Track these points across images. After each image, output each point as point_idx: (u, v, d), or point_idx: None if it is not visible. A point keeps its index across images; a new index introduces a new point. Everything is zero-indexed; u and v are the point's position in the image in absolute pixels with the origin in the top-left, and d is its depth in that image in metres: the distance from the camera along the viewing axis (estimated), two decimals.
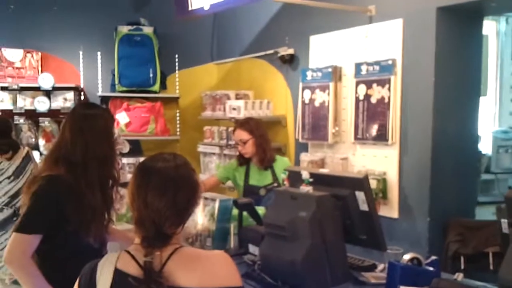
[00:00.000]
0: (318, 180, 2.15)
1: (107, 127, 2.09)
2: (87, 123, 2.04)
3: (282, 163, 3.33)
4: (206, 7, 3.10)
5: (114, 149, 2.10)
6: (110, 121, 2.15)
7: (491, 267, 2.86)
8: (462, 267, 2.94)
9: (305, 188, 2.08)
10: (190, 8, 3.23)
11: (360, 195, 2.06)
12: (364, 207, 2.07)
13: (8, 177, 3.99)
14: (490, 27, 5.11)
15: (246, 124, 3.36)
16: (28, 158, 4.13)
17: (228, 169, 3.50)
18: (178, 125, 5.44)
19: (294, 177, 2.24)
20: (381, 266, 2.19)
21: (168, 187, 1.38)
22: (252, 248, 2.38)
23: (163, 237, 1.37)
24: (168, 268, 1.33)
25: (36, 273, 1.91)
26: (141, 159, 5.05)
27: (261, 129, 3.36)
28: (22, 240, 1.88)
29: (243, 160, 3.38)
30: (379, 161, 3.43)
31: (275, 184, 3.20)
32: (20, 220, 1.93)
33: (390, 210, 3.32)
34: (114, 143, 2.10)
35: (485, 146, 4.79)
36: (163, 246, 1.37)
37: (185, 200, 1.40)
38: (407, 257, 1.95)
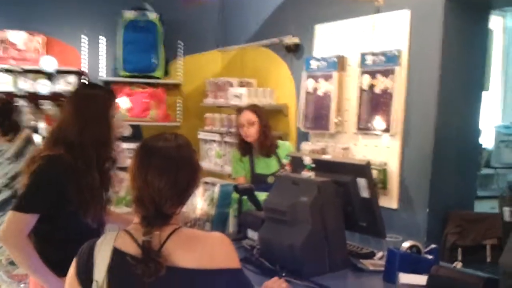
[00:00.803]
0: (320, 166, 2.14)
1: (106, 108, 2.05)
2: (86, 103, 2.03)
3: (285, 148, 3.34)
4: None
5: (112, 131, 2.06)
6: (110, 102, 2.10)
7: (488, 259, 2.87)
8: (460, 258, 2.95)
9: (307, 174, 2.08)
10: None
11: (362, 182, 2.06)
12: (365, 193, 2.07)
13: (8, 159, 3.98)
14: (497, 22, 5.08)
15: (255, 107, 3.39)
16: (28, 140, 4.12)
17: (236, 163, 3.44)
18: (179, 112, 5.43)
19: (296, 163, 2.23)
20: (379, 254, 2.19)
21: (169, 166, 1.38)
22: (251, 233, 2.38)
23: (163, 216, 1.37)
24: (166, 248, 1.33)
25: (32, 252, 1.90)
26: None
27: (266, 117, 3.38)
28: (19, 218, 1.87)
29: (244, 150, 3.36)
30: (381, 152, 3.42)
31: (282, 170, 3.18)
32: (18, 198, 1.93)
33: (389, 201, 3.32)
34: (112, 124, 2.06)
35: (487, 141, 4.79)
36: (162, 226, 1.36)
37: (186, 181, 1.40)
38: (406, 244, 1.95)
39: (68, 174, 1.92)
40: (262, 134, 3.28)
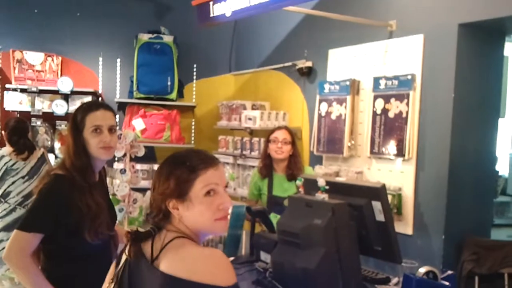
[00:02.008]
0: (334, 188, 2.12)
1: (71, 131, 1.98)
2: (69, 124, 2.02)
3: (308, 173, 3.35)
4: (228, 14, 3.12)
5: (78, 156, 1.96)
6: (77, 121, 1.99)
7: None
8: (476, 287, 2.87)
9: (321, 196, 2.05)
10: (211, 15, 3.25)
11: (377, 205, 2.03)
12: (380, 217, 2.04)
13: (23, 177, 4.03)
14: (510, 48, 5.07)
15: (291, 130, 3.54)
16: (43, 159, 4.18)
17: (254, 185, 3.52)
18: (193, 134, 5.46)
19: (310, 185, 2.21)
20: (395, 280, 2.14)
21: (159, 170, 1.39)
22: (264, 255, 2.35)
23: (153, 222, 1.38)
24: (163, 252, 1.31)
25: (35, 271, 1.88)
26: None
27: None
28: (22, 238, 1.87)
29: (267, 170, 3.43)
30: (395, 176, 3.39)
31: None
32: (23, 217, 1.93)
33: (404, 227, 3.27)
34: (78, 148, 1.96)
35: (502, 168, 4.73)
36: (159, 230, 1.36)
37: (161, 185, 1.36)
38: (422, 270, 1.92)
39: (71, 193, 1.91)
40: (293, 155, 3.40)
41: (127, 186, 3.18)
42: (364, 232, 2.08)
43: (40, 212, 1.91)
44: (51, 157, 4.64)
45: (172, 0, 5.41)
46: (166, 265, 1.28)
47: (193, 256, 1.29)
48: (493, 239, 3.28)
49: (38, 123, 4.94)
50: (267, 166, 3.44)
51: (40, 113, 4.91)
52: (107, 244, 2.03)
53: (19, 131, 4.07)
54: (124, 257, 1.39)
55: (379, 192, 2.04)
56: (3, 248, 3.95)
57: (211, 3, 3.26)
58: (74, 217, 1.90)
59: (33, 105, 4.92)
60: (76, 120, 1.99)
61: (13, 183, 4.00)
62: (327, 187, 2.08)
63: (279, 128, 3.52)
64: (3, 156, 4.00)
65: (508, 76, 4.63)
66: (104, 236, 1.97)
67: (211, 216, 1.35)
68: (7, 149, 4.04)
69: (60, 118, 4.95)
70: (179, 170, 1.35)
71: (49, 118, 4.96)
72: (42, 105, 4.96)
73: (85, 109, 2.01)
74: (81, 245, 1.92)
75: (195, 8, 3.57)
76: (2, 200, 3.99)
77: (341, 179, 2.47)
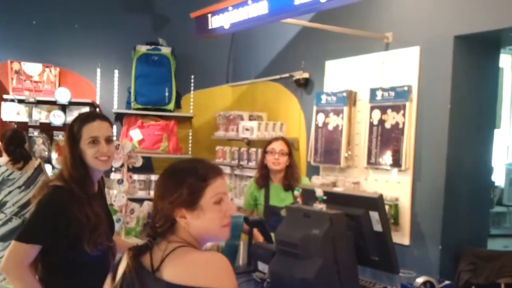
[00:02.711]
0: (332, 198, 2.13)
1: (68, 142, 1.97)
2: (65, 135, 2.02)
3: (305, 183, 3.36)
4: (226, 26, 3.15)
5: (75, 166, 1.95)
6: (73, 132, 1.97)
7: None
8: None
9: (319, 206, 2.07)
10: (210, 27, 3.28)
11: (374, 215, 2.04)
12: (378, 227, 2.05)
13: (19, 187, 4.03)
14: (505, 60, 5.13)
15: (288, 141, 3.57)
16: (39, 169, 4.18)
17: (251, 195, 3.53)
18: (190, 144, 5.47)
19: (307, 195, 2.22)
20: None
21: (163, 180, 1.41)
22: (262, 266, 2.35)
23: (155, 231, 1.39)
24: (163, 265, 1.32)
25: (32, 282, 1.88)
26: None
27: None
28: (20, 249, 1.86)
29: (264, 180, 3.45)
30: (392, 187, 3.40)
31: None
32: (22, 228, 1.93)
33: (401, 237, 3.28)
34: (75, 158, 1.95)
35: (498, 178, 4.75)
36: (161, 239, 1.37)
37: (166, 192, 1.38)
38: (420, 280, 1.92)
39: (69, 204, 1.90)
40: (289, 166, 3.42)
41: (125, 197, 3.18)
42: (361, 242, 2.09)
43: (39, 224, 1.90)
44: (48, 167, 4.64)
45: (170, 12, 5.45)
46: (170, 274, 1.29)
47: (195, 262, 1.31)
48: (490, 249, 3.29)
49: (36, 133, 4.94)
50: (264, 176, 3.45)
51: (38, 124, 4.92)
52: (105, 254, 2.02)
53: (16, 141, 4.08)
54: (121, 270, 1.38)
55: (376, 202, 2.06)
56: (0, 258, 3.93)
57: (209, 15, 3.30)
58: (73, 229, 1.89)
59: (30, 115, 4.93)
60: (72, 131, 1.98)
61: (9, 193, 4.00)
62: (324, 197, 2.09)
63: (276, 139, 3.54)
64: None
65: (503, 88, 4.68)
66: (103, 247, 1.96)
67: (220, 223, 1.39)
68: (4, 159, 4.04)
69: (58, 128, 4.96)
70: (191, 178, 1.37)
71: (47, 129, 4.97)
72: (40, 115, 4.97)
73: (82, 120, 2.01)
74: (80, 256, 1.91)
75: (193, 20, 3.60)
76: None
77: (338, 189, 2.49)
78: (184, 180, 1.37)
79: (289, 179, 3.39)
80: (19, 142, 4.10)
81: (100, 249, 1.94)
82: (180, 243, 1.35)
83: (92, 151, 1.97)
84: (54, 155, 4.95)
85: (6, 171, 3.99)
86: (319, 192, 2.08)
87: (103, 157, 1.98)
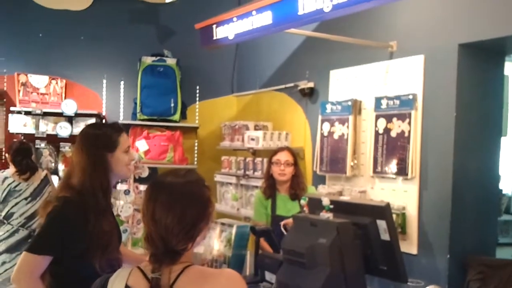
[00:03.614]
0: (338, 207, 2.13)
1: (101, 150, 1.98)
2: (83, 146, 1.99)
3: (311, 193, 3.36)
4: (231, 37, 3.17)
5: (106, 175, 1.98)
6: (109, 140, 2.01)
7: None
8: None
9: (325, 215, 2.06)
10: (214, 38, 3.31)
11: (382, 224, 2.03)
12: (385, 236, 2.04)
13: (26, 198, 4.05)
14: (510, 68, 5.11)
15: (292, 149, 3.58)
16: (46, 180, 4.20)
17: (261, 205, 3.52)
18: (196, 155, 5.48)
19: (314, 204, 2.22)
20: None
21: (175, 202, 1.37)
22: (269, 276, 2.35)
23: (172, 254, 1.36)
24: (177, 286, 1.32)
25: None
26: None
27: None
28: (31, 260, 1.86)
29: (270, 190, 3.45)
30: (398, 195, 3.39)
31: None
32: (32, 240, 1.95)
33: (409, 246, 3.26)
34: (105, 168, 1.98)
35: (505, 187, 4.73)
36: (172, 263, 1.35)
37: (193, 216, 1.38)
38: None
39: (80, 217, 1.91)
40: (295, 176, 3.43)
41: (131, 207, 3.20)
42: (369, 251, 2.08)
43: (50, 235, 1.91)
44: (54, 178, 4.66)
45: (175, 23, 5.50)
46: None
47: (216, 281, 1.34)
48: (499, 258, 3.26)
49: (42, 145, 4.97)
50: (271, 186, 3.45)
51: (44, 135, 4.95)
52: (119, 265, 2.02)
53: (23, 152, 4.11)
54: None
55: (384, 211, 2.05)
56: (6, 270, 3.93)
57: (214, 26, 3.32)
58: (83, 243, 1.89)
59: (37, 127, 4.96)
60: (106, 140, 2.00)
61: (16, 204, 4.02)
62: (331, 206, 2.08)
63: (281, 149, 3.55)
64: (6, 178, 4.02)
65: (508, 95, 4.66)
66: (113, 263, 1.96)
67: None
68: (10, 170, 4.07)
69: (64, 140, 4.98)
70: (195, 207, 1.42)
71: (53, 140, 5.00)
72: (46, 127, 5.00)
73: (117, 129, 2.07)
74: (89, 268, 1.90)
75: (198, 31, 3.62)
76: (5, 221, 4.00)
77: (345, 198, 2.48)
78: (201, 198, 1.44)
79: (295, 188, 3.39)
80: (26, 154, 4.13)
81: (111, 265, 1.94)
82: (184, 264, 1.36)
83: (126, 159, 2.05)
84: (61, 167, 4.97)
85: (13, 182, 4.01)
86: (325, 201, 2.08)
87: (131, 165, 2.09)
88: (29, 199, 4.05)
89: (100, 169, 1.97)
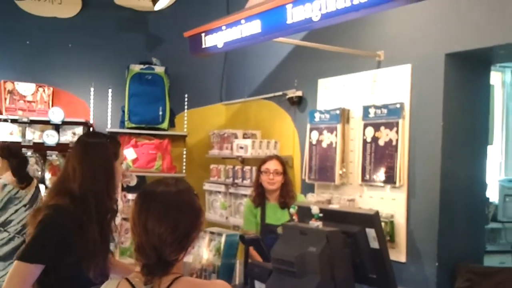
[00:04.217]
0: (328, 216, 2.13)
1: (107, 157, 2.04)
2: (88, 152, 2.01)
3: (301, 201, 3.36)
4: (220, 45, 3.17)
5: (114, 180, 2.05)
6: (112, 150, 2.07)
7: None
8: None
9: (315, 223, 2.06)
10: (203, 46, 3.31)
11: (371, 232, 2.04)
12: (374, 244, 2.04)
13: (25, 205, 4.06)
14: (495, 77, 5.19)
15: (280, 158, 3.58)
16: (38, 188, 4.20)
17: (250, 214, 3.51)
18: (184, 163, 5.46)
19: (303, 212, 2.22)
20: None
21: (169, 212, 1.37)
22: (258, 285, 2.33)
23: (164, 264, 1.35)
24: None
25: None
26: None
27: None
28: (24, 268, 1.83)
29: (259, 199, 3.45)
30: (387, 204, 3.41)
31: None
32: (23, 248, 1.90)
33: (397, 254, 3.27)
34: (114, 174, 2.04)
35: (492, 195, 4.77)
36: (164, 275, 1.34)
37: (186, 226, 1.38)
38: None
39: (72, 225, 1.90)
40: (285, 184, 3.43)
41: (119, 216, 3.17)
42: (358, 260, 2.08)
43: (42, 243, 1.88)
44: (41, 187, 4.61)
45: (163, 31, 5.49)
46: None
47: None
48: (487, 266, 3.28)
49: (29, 153, 4.89)
50: (260, 195, 3.45)
51: (31, 144, 4.89)
52: (105, 276, 2.02)
53: (24, 164, 4.13)
54: None
55: (372, 219, 2.06)
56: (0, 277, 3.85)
57: (203, 34, 3.32)
58: (76, 252, 1.88)
59: (23, 135, 4.91)
60: (112, 149, 2.07)
61: (15, 211, 4.00)
62: (321, 215, 2.09)
63: (270, 158, 3.54)
64: (5, 185, 3.99)
65: (494, 105, 4.73)
66: (105, 270, 1.97)
67: None
68: (10, 178, 4.02)
69: (51, 148, 4.92)
70: (188, 216, 1.42)
71: (40, 149, 4.94)
72: (33, 135, 4.94)
73: (118, 142, 2.17)
74: (82, 277, 1.90)
75: (186, 39, 3.62)
76: (1, 229, 3.95)
77: (334, 207, 2.48)
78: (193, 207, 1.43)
79: (285, 197, 3.39)
80: (24, 164, 4.16)
81: (97, 274, 1.92)
82: (174, 275, 1.35)
83: (122, 170, 2.20)
84: (48, 175, 4.92)
85: (13, 189, 4.00)
86: (315, 210, 2.08)
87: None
88: (28, 206, 4.04)
89: (110, 175, 2.03)
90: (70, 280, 1.92)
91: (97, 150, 2.02)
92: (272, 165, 3.43)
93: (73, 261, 1.88)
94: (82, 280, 1.90)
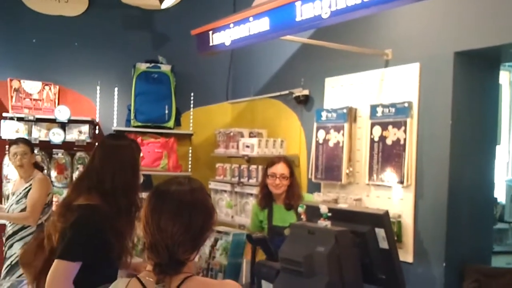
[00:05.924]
0: (336, 215, 2.11)
1: (133, 157, 2.23)
2: (116, 152, 2.19)
3: (308, 200, 3.34)
4: (227, 43, 3.16)
5: (138, 178, 2.23)
6: (137, 151, 2.27)
7: None
8: None
9: (323, 223, 2.04)
10: (211, 44, 3.29)
11: (380, 232, 2.02)
12: (384, 244, 2.02)
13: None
14: (503, 77, 5.16)
15: (287, 160, 3.53)
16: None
17: (256, 216, 3.50)
18: (190, 162, 5.45)
19: (312, 212, 2.20)
20: None
21: (183, 211, 1.36)
22: (266, 285, 2.32)
23: (176, 263, 1.34)
24: None
25: None
26: None
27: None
28: (66, 267, 1.94)
29: (266, 201, 3.42)
30: (394, 204, 3.38)
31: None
32: (63, 247, 1.99)
33: (405, 254, 3.24)
34: (138, 172, 2.23)
35: (499, 195, 4.74)
36: (176, 274, 1.33)
37: (200, 225, 1.37)
38: None
39: (105, 223, 2.02)
40: (291, 187, 3.39)
41: None
42: (367, 260, 2.06)
43: (81, 241, 1.99)
44: None
45: (169, 30, 5.48)
46: None
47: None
48: (495, 267, 3.26)
49: (35, 151, 4.90)
50: (266, 197, 3.43)
51: (37, 142, 4.89)
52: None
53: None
54: None
55: (382, 219, 2.04)
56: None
57: (210, 32, 3.31)
58: (114, 245, 2.02)
59: (30, 133, 4.91)
60: (137, 151, 2.29)
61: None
62: (329, 214, 2.07)
63: (277, 160, 3.48)
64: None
65: (501, 104, 4.69)
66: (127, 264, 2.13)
67: None
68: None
69: (57, 146, 4.93)
70: (202, 215, 1.41)
71: (46, 147, 4.94)
72: (39, 133, 4.95)
73: (139, 144, 2.40)
74: (111, 271, 2.06)
75: (192, 38, 3.61)
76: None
77: (343, 206, 2.46)
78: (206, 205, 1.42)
79: (290, 199, 3.36)
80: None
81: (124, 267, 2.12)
82: (185, 274, 1.34)
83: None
84: (53, 173, 4.92)
85: None
86: (323, 209, 2.06)
87: None
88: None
89: (137, 173, 2.22)
90: (99, 273, 2.01)
91: (126, 151, 2.22)
92: (279, 169, 3.38)
93: (110, 257, 2.03)
94: (109, 273, 2.05)
